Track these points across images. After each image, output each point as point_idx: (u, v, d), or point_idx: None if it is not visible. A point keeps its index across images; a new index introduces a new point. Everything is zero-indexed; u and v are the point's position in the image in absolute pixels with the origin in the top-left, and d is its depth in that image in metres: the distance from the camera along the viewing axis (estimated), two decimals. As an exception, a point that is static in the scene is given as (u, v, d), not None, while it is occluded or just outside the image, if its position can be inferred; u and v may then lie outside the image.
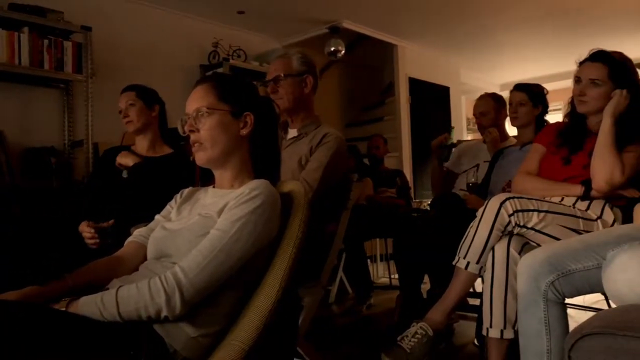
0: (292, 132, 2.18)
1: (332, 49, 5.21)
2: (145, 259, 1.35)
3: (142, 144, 2.40)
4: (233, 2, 4.59)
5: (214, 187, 1.41)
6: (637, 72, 1.98)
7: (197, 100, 1.32)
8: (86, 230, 2.01)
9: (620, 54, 1.98)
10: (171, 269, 1.14)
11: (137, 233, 1.43)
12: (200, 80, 1.39)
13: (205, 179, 1.62)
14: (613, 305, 1.14)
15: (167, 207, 1.48)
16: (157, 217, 1.45)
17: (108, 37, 4.15)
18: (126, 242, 1.44)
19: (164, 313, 1.09)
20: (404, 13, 5.07)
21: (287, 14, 4.94)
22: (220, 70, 4.69)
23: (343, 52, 5.28)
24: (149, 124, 2.38)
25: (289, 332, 1.58)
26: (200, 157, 1.33)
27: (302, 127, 2.14)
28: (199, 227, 1.24)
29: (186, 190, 1.49)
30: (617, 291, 1.10)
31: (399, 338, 1.81)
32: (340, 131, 2.18)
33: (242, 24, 5.11)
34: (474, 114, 3.11)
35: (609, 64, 1.92)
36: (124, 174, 2.26)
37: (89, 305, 1.09)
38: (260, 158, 1.39)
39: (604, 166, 1.81)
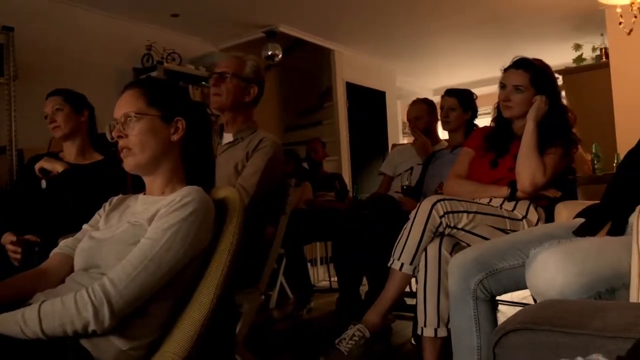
0: (228, 137, 2.15)
1: (269, 53, 5.20)
2: (71, 270, 1.29)
3: (70, 151, 2.31)
4: (167, 5, 4.49)
5: (144, 194, 1.37)
6: (555, 79, 2.11)
7: (126, 105, 1.28)
8: (9, 244, 1.90)
9: (541, 61, 2.09)
10: (99, 281, 1.09)
11: (63, 244, 1.37)
12: (129, 84, 1.35)
13: (137, 186, 1.57)
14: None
15: (96, 215, 1.42)
16: (84, 226, 1.39)
17: (33, 38, 3.95)
18: (51, 254, 1.37)
19: (91, 327, 1.05)
20: (341, 19, 5.14)
21: (222, 18, 4.89)
22: (154, 73, 4.57)
23: (280, 56, 5.28)
24: (77, 130, 2.29)
25: (226, 341, 1.56)
26: (129, 163, 1.29)
27: (237, 132, 2.12)
28: (128, 236, 1.20)
29: (115, 198, 1.43)
30: (538, 288, 1.16)
31: (337, 341, 1.83)
32: (278, 135, 2.18)
33: (177, 26, 5.01)
34: (408, 119, 3.19)
35: (530, 71, 2.02)
36: (43, 184, 2.15)
37: (8, 323, 1.03)
38: (192, 164, 1.36)
39: (527, 168, 1.90)
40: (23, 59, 3.74)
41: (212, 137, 1.46)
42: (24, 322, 1.02)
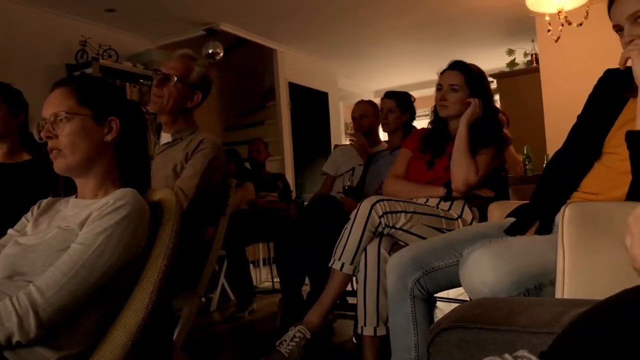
0: (166, 137, 2.09)
1: (210, 51, 5.12)
2: (-5, 278, 1.23)
3: (-1, 150, 2.18)
4: (101, -1, 4.34)
5: (76, 197, 1.32)
6: (488, 82, 2.19)
7: (55, 104, 1.23)
8: None
9: (475, 65, 2.17)
10: (25, 289, 1.04)
11: (-14, 249, 1.29)
12: (59, 82, 1.29)
13: (70, 187, 1.51)
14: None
15: (22, 220, 1.35)
16: (9, 231, 1.32)
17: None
18: (-27, 261, 1.29)
19: (16, 338, 1.00)
20: (283, 19, 5.12)
21: (161, 14, 4.76)
22: (89, 70, 4.40)
23: (221, 55, 5.20)
24: (11, 130, 2.16)
25: (163, 346, 1.53)
26: (59, 165, 1.23)
27: (176, 132, 2.07)
28: (57, 241, 1.15)
29: (45, 201, 1.37)
30: (471, 286, 1.20)
31: (277, 343, 1.82)
32: (219, 135, 2.15)
33: (113, 22, 4.83)
34: (353, 117, 3.22)
35: (465, 72, 2.10)
36: None
37: None
38: (127, 166, 1.32)
39: (460, 168, 1.97)
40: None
41: (147, 138, 1.42)
42: (-61, 334, 0.96)
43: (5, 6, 4.16)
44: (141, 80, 4.71)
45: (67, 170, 1.25)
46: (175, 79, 2.00)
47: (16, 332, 0.99)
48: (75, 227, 1.16)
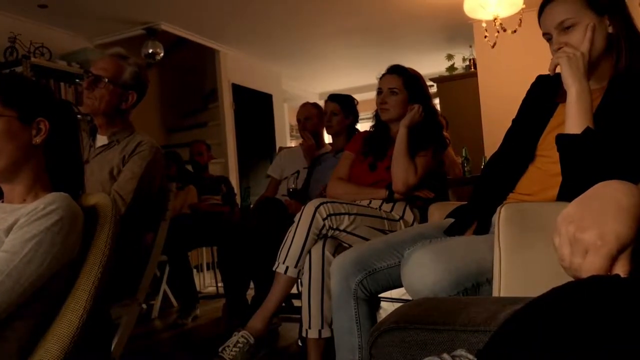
0: (102, 140, 2.01)
1: (150, 51, 4.99)
2: None
3: None
4: (32, -6, 4.14)
5: (2, 201, 1.24)
6: (426, 84, 2.26)
7: None
8: None
9: (413, 69, 2.23)
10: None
11: None
12: None
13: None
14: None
15: (-57, 227, 1.26)
16: None
17: None
18: None
19: None
20: (226, 19, 5.06)
21: (97, 12, 4.59)
22: (19, 69, 4.18)
23: (162, 54, 5.08)
24: None
25: (100, 357, 1.47)
26: None
27: (112, 134, 1.99)
28: (-19, 249, 1.08)
29: (-32, 208, 1.28)
30: (412, 286, 1.22)
31: (220, 349, 1.79)
32: (160, 137, 2.08)
33: (45, 18, 4.62)
34: (298, 119, 3.22)
35: (403, 76, 2.17)
36: None
37: None
38: (58, 169, 1.26)
39: (400, 170, 2.01)
40: None
41: (80, 139, 1.35)
42: None
43: None
44: (77, 80, 4.52)
45: None
46: (107, 80, 1.93)
47: None
48: (0, 234, 1.09)
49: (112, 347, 1.69)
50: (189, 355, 2.70)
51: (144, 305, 3.28)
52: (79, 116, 1.41)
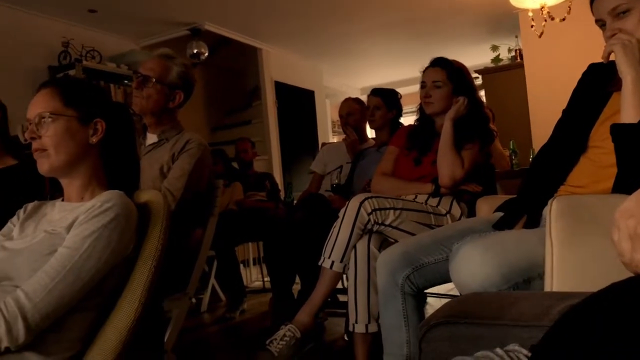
0: (152, 138, 2.08)
1: (195, 51, 5.08)
2: (-19, 284, 1.21)
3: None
4: (83, 0, 4.28)
5: (62, 200, 1.30)
6: (471, 76, 2.21)
7: (40, 104, 1.22)
8: None
9: (457, 61, 2.19)
10: (12, 294, 1.03)
11: (-28, 255, 1.27)
12: (44, 83, 1.28)
13: (56, 191, 1.49)
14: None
15: (9, 224, 1.33)
16: (-5, 236, 1.31)
17: None
18: (-41, 267, 1.27)
19: (4, 344, 0.98)
20: (267, 17, 5.11)
21: (143, 14, 4.72)
22: (72, 72, 4.34)
23: (206, 54, 5.17)
24: None
25: (153, 348, 1.52)
26: (43, 166, 1.22)
27: (162, 132, 2.05)
28: (44, 245, 1.14)
29: (30, 205, 1.35)
30: (461, 280, 1.21)
31: (267, 342, 1.82)
32: (205, 135, 2.13)
33: (95, 23, 4.78)
34: (340, 115, 3.22)
35: (447, 68, 2.12)
36: None
37: None
38: (113, 167, 1.31)
39: (446, 164, 1.98)
40: None
41: (135, 139, 1.41)
42: None
43: (-15, 8, 4.11)
44: (125, 81, 4.66)
45: (50, 171, 1.24)
46: (154, 79, 1.99)
47: (4, 338, 0.98)
48: (62, 231, 1.15)
49: (165, 339, 1.75)
50: (236, 348, 2.75)
51: (193, 299, 3.37)
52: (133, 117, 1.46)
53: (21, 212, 1.34)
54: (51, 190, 1.94)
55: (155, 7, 4.59)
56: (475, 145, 2.04)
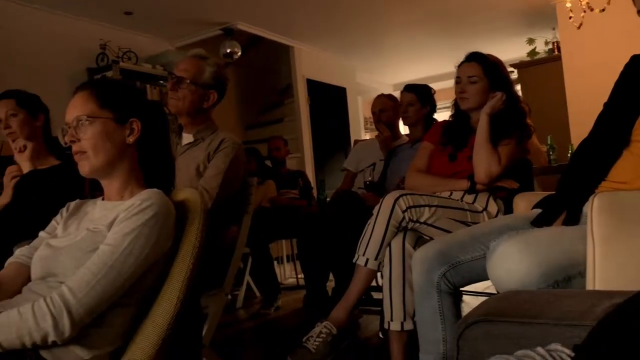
0: (187, 138, 2.11)
1: (228, 50, 5.15)
2: (28, 280, 1.25)
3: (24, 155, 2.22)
4: (119, 2, 4.39)
5: (103, 199, 1.34)
6: (507, 71, 2.17)
7: (77, 108, 1.25)
8: None
9: (492, 55, 2.15)
10: (58, 290, 1.06)
11: (19, 253, 1.32)
12: (80, 86, 1.31)
13: (96, 190, 1.53)
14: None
15: (52, 222, 1.38)
16: (41, 234, 1.35)
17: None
18: (7, 263, 1.32)
19: (51, 338, 1.02)
20: (299, 15, 5.13)
21: (177, 15, 4.81)
22: (109, 73, 4.46)
23: (239, 54, 5.23)
24: (33, 135, 2.21)
25: (192, 343, 1.54)
26: (84, 168, 1.25)
27: (197, 132, 2.09)
28: (87, 243, 1.17)
29: (73, 204, 1.39)
30: (499, 278, 1.19)
31: (304, 339, 1.83)
32: (239, 134, 2.16)
33: (131, 25, 4.90)
34: (373, 112, 3.21)
35: (482, 63, 2.09)
36: None
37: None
38: (150, 166, 1.33)
39: (482, 160, 1.95)
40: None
41: (170, 138, 1.43)
42: (-21, 335, 0.99)
43: (25, 12, 4.24)
44: (161, 82, 4.76)
45: (91, 173, 1.27)
46: (188, 80, 2.02)
47: (51, 332, 1.01)
48: (103, 229, 1.18)
49: (203, 334, 1.78)
50: (272, 344, 2.78)
51: (229, 296, 3.41)
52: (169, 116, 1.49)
53: (64, 210, 1.38)
54: (91, 190, 1.99)
55: (189, 8, 4.66)
56: (512, 140, 2.00)
